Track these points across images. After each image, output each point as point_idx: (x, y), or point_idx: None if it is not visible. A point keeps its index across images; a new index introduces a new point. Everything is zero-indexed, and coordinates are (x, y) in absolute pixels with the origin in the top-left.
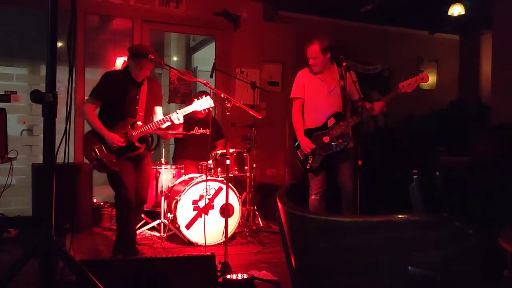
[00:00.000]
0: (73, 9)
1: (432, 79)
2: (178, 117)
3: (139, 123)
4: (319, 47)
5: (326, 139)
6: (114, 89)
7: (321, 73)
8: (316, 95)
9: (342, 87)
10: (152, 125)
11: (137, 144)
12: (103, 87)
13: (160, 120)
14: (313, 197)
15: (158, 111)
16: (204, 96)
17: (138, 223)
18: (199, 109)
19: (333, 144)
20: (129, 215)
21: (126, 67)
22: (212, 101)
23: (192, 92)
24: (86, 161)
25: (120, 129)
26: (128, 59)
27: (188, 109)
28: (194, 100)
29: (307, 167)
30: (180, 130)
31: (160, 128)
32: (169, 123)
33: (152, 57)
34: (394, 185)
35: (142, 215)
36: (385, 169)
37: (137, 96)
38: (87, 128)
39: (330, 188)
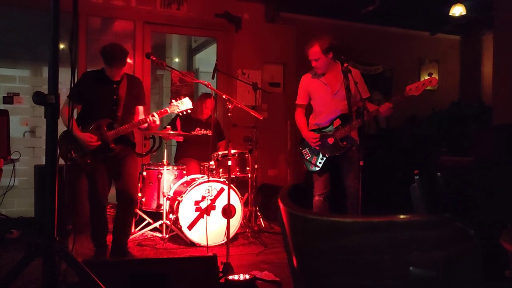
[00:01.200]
0: (74, 11)
1: None
2: (154, 119)
3: (116, 124)
4: (319, 48)
5: (330, 140)
6: (88, 89)
7: (324, 74)
8: (320, 99)
9: (346, 88)
10: (128, 127)
11: (112, 145)
12: (76, 88)
13: (136, 122)
14: (316, 197)
15: (140, 111)
16: (182, 98)
17: (132, 223)
18: (176, 112)
19: (337, 145)
20: (101, 216)
21: (103, 67)
22: (190, 102)
23: (194, 93)
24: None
25: (95, 130)
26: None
27: (164, 111)
28: (172, 102)
29: (311, 167)
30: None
31: (140, 129)
32: (145, 124)
33: (154, 59)
34: (396, 186)
35: (145, 216)
36: (387, 170)
37: (115, 96)
38: None
39: (334, 190)
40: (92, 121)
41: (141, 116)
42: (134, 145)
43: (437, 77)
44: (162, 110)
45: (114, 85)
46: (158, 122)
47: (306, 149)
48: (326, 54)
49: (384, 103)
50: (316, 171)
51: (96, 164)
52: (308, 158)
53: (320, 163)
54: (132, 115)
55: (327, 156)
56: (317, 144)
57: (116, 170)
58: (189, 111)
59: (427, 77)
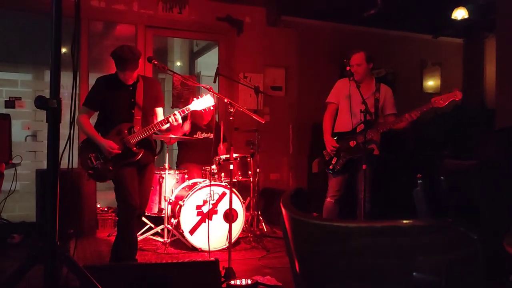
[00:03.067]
0: (76, 16)
1: (436, 82)
2: (175, 118)
3: (137, 127)
4: (364, 55)
5: (352, 143)
6: (105, 95)
7: (360, 82)
8: (349, 101)
9: (376, 99)
10: (149, 128)
11: (134, 149)
12: (92, 94)
13: (157, 123)
14: (328, 199)
15: (159, 112)
16: (204, 94)
17: (135, 232)
18: (199, 109)
19: (359, 148)
20: (131, 222)
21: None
22: (212, 99)
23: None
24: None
25: (116, 135)
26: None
27: (187, 109)
28: (193, 100)
29: (330, 167)
30: (187, 130)
31: (160, 131)
32: (167, 125)
33: (156, 62)
34: (398, 190)
35: (146, 220)
36: (390, 173)
37: (132, 99)
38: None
39: (351, 196)
40: (111, 127)
41: (161, 117)
42: (155, 151)
43: (439, 80)
44: (184, 109)
45: (131, 88)
46: (180, 121)
47: (326, 150)
48: (368, 63)
49: (410, 112)
50: (333, 172)
51: (122, 169)
52: (328, 159)
53: (340, 164)
54: (151, 117)
55: (346, 158)
56: (333, 151)
57: (137, 178)
58: (211, 107)
59: (452, 91)
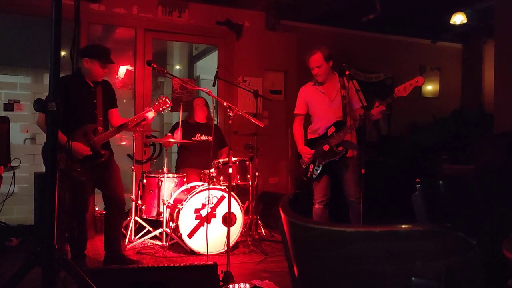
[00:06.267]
0: (76, 19)
1: (434, 87)
2: (148, 116)
3: (100, 128)
4: (321, 55)
5: (326, 148)
6: (68, 95)
7: (323, 84)
8: (318, 107)
9: (343, 96)
10: (115, 129)
11: (102, 151)
12: None
13: (129, 121)
14: (316, 205)
15: (115, 114)
16: (163, 97)
17: (121, 227)
18: (161, 109)
19: (333, 151)
20: (84, 225)
21: (78, 70)
22: (169, 101)
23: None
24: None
25: (82, 137)
26: (86, 62)
27: (148, 109)
28: (155, 102)
29: (308, 175)
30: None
31: (130, 128)
32: (143, 119)
33: (156, 66)
34: (397, 194)
35: (145, 224)
36: (389, 178)
37: (94, 100)
38: None
39: (336, 199)
40: (76, 127)
41: (118, 118)
42: (110, 146)
43: (438, 85)
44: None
45: (93, 89)
46: (150, 118)
47: (302, 159)
48: (327, 62)
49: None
50: (313, 179)
51: (86, 172)
52: (305, 167)
53: (317, 170)
54: (110, 119)
55: (322, 163)
56: (310, 159)
57: (103, 176)
58: (169, 108)
59: (414, 78)
